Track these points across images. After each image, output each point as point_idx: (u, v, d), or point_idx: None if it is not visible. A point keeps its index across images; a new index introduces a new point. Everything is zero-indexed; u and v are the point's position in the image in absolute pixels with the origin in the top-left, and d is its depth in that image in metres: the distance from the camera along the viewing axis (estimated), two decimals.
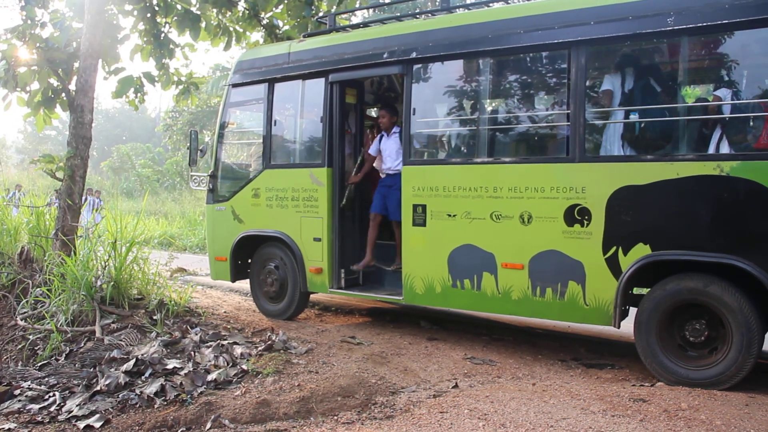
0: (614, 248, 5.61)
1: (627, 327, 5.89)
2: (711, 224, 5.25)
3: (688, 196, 5.31)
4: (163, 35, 10.39)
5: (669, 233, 5.41)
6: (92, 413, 4.90)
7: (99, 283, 7.14)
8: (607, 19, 5.69)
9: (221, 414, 4.79)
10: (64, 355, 6.24)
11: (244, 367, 5.58)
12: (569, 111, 5.85)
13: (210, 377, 5.40)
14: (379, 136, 7.80)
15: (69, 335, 6.59)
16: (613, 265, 5.62)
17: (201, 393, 5.16)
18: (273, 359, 5.75)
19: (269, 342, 6.19)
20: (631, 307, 5.87)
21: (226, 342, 6.19)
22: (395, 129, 7.46)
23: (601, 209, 5.65)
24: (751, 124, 5.43)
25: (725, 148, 5.32)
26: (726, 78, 5.55)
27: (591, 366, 6.25)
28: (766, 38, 5.33)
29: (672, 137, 5.68)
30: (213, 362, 5.70)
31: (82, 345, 6.33)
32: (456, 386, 5.35)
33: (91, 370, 5.64)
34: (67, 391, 5.32)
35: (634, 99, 5.81)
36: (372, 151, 7.80)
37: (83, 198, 8.44)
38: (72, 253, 7.62)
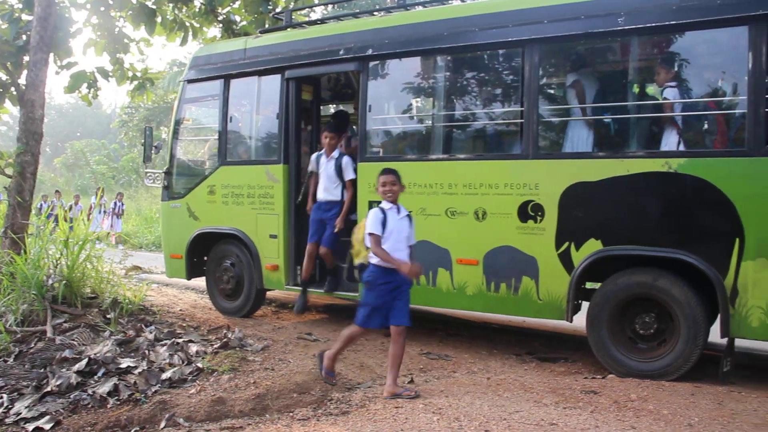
0: (567, 244, 5.70)
1: (580, 321, 5.99)
2: (660, 220, 5.38)
3: (638, 193, 5.43)
4: (117, 30, 10.23)
5: (620, 229, 5.52)
6: (42, 415, 4.80)
7: (50, 282, 7.00)
8: (559, 18, 5.78)
9: (176, 413, 4.75)
10: (13, 356, 6.08)
11: (200, 365, 5.54)
12: (523, 108, 5.92)
13: (164, 376, 5.34)
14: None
15: (18, 336, 6.43)
16: (566, 260, 5.71)
17: (155, 392, 5.10)
18: (229, 357, 5.72)
19: (225, 340, 6.15)
20: (583, 302, 5.98)
21: (182, 340, 6.13)
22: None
23: (554, 205, 5.74)
24: (698, 122, 5.57)
25: (673, 146, 5.45)
26: (674, 77, 5.67)
27: (545, 360, 6.35)
28: (712, 39, 5.48)
29: (622, 135, 5.80)
30: (168, 361, 5.65)
31: (33, 345, 6.19)
32: (411, 381, 5.39)
33: (42, 370, 5.52)
34: (15, 393, 5.19)
35: (585, 97, 5.91)
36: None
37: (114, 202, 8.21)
38: (22, 251, 7.46)
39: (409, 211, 5.37)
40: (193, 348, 5.93)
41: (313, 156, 7.30)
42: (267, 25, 9.85)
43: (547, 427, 4.15)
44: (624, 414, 4.42)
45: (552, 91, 6.66)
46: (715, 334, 5.31)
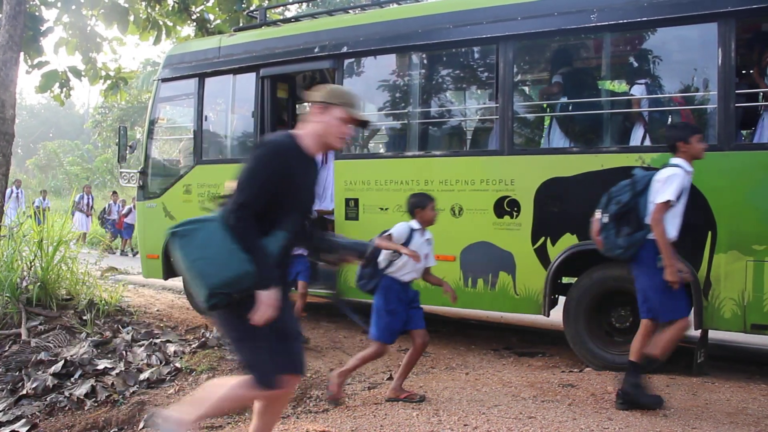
0: (543, 239, 5.75)
1: (557, 316, 6.05)
2: None
3: (612, 187, 5.47)
4: (89, 28, 10.13)
5: None
6: (18, 418, 4.77)
7: (24, 284, 6.93)
8: (533, 15, 5.81)
9: (154, 413, 4.72)
10: None
11: (178, 365, 5.51)
12: (498, 105, 5.96)
13: (142, 376, 5.32)
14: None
15: None
16: (542, 255, 5.76)
17: (133, 393, 5.08)
18: (207, 356, 5.70)
19: (203, 339, 6.13)
20: (560, 296, 6.03)
21: (159, 340, 6.10)
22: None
23: (529, 201, 5.78)
24: (670, 117, 5.65)
25: (646, 141, 5.52)
26: (646, 74, 5.74)
27: (522, 354, 6.40)
28: (683, 35, 5.56)
29: (596, 130, 5.86)
30: (145, 361, 5.62)
31: (7, 348, 6.12)
32: (390, 378, 5.39)
33: (17, 373, 5.47)
34: None
35: (559, 93, 5.97)
36: None
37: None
38: None
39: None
40: (171, 348, 5.91)
41: None
42: (241, 24, 9.81)
43: (525, 420, 4.19)
44: (601, 406, 4.47)
45: (526, 88, 6.72)
46: None
